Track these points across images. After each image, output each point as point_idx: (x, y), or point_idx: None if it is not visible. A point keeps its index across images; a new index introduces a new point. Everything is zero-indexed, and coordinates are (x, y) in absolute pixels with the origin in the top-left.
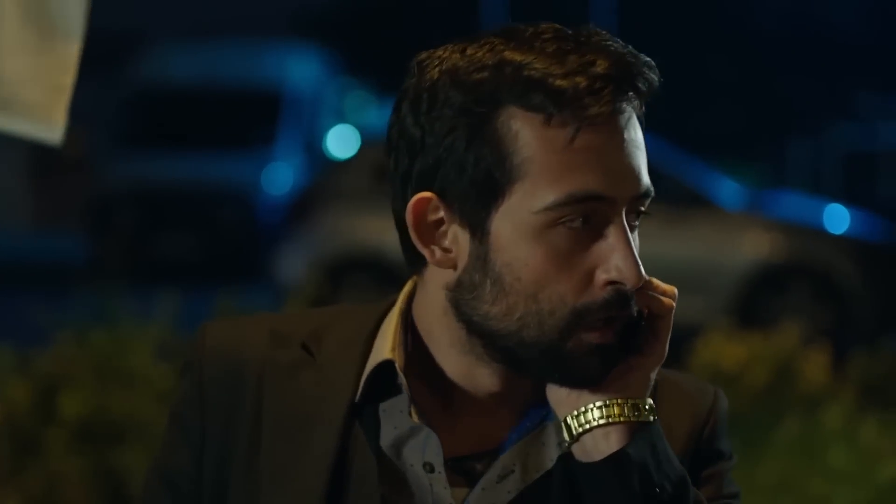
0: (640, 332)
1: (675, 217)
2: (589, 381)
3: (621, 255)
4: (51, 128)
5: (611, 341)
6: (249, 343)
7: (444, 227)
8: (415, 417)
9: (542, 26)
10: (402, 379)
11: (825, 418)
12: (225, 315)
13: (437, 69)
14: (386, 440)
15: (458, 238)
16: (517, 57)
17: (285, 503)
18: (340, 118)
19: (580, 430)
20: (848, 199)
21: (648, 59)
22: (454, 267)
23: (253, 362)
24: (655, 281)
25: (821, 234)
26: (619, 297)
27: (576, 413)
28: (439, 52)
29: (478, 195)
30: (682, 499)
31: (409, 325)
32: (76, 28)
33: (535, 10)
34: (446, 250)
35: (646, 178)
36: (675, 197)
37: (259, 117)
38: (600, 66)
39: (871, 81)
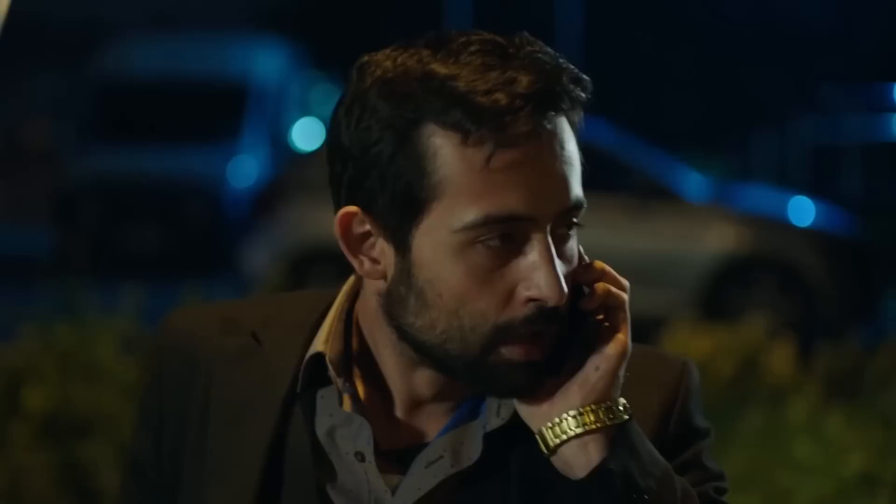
0: (577, 342)
1: (640, 209)
2: (512, 393)
3: (543, 272)
4: None
5: (536, 358)
6: (202, 330)
7: (371, 240)
8: (346, 407)
9: (473, 37)
10: (331, 371)
11: (790, 411)
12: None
13: (370, 76)
14: (321, 427)
15: (384, 251)
16: (441, 70)
17: (223, 489)
18: (306, 111)
19: (556, 440)
20: (813, 192)
21: (576, 72)
22: (384, 277)
23: (204, 350)
24: (609, 271)
25: (786, 226)
26: (542, 313)
27: (550, 424)
28: (378, 57)
29: (400, 211)
30: (669, 493)
31: (352, 319)
32: None
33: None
34: (374, 261)
35: (573, 193)
36: (641, 189)
37: (224, 110)
38: (522, 83)
39: (836, 74)
